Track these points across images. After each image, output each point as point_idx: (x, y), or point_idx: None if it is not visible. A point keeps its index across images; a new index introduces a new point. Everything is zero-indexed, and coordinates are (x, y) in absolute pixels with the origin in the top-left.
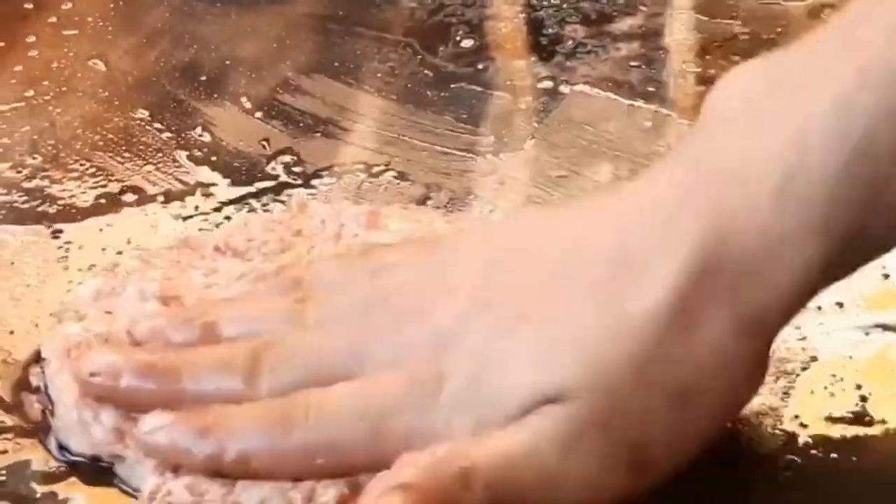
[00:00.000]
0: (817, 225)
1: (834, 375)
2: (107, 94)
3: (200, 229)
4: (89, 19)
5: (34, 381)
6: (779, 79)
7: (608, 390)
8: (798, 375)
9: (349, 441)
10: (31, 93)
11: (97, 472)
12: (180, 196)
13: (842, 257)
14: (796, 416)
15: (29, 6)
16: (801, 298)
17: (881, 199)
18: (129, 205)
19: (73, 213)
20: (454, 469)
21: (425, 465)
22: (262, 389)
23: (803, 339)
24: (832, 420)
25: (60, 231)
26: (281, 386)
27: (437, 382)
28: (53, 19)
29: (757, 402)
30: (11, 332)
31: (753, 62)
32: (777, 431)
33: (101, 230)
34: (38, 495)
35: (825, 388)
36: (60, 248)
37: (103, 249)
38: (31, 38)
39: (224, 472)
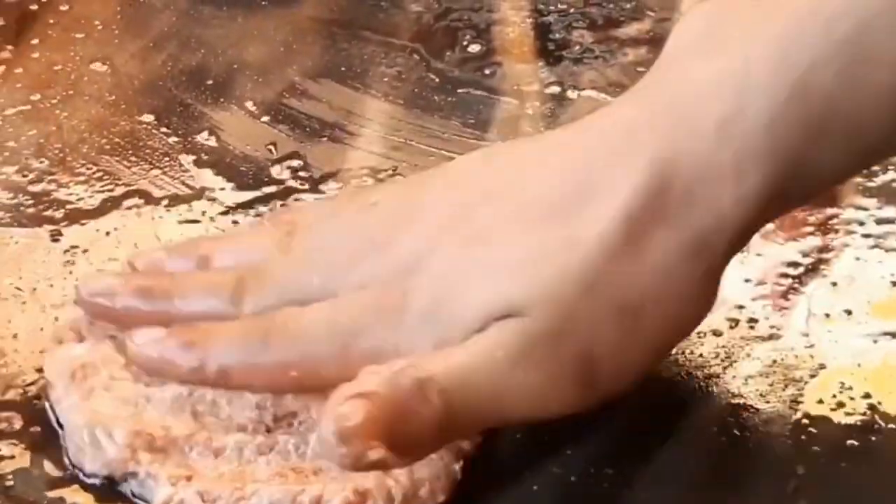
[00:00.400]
0: (759, 154)
1: (842, 383)
2: (113, 97)
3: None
4: (96, 23)
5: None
6: (731, 14)
7: (558, 305)
8: (806, 383)
9: (320, 356)
10: (37, 96)
11: (105, 479)
12: (186, 200)
13: (787, 186)
14: (805, 425)
15: (35, 9)
16: (748, 225)
17: (827, 130)
18: (135, 209)
19: (78, 217)
20: (412, 379)
21: (385, 377)
22: (246, 309)
23: (811, 346)
24: (841, 429)
25: (66, 235)
26: (262, 307)
27: (401, 303)
28: (60, 23)
29: (765, 410)
30: (15, 336)
31: (707, 2)
32: (785, 440)
33: (107, 234)
34: (46, 501)
35: (833, 396)
36: (66, 251)
37: (110, 259)
38: (38, 42)
39: (207, 384)
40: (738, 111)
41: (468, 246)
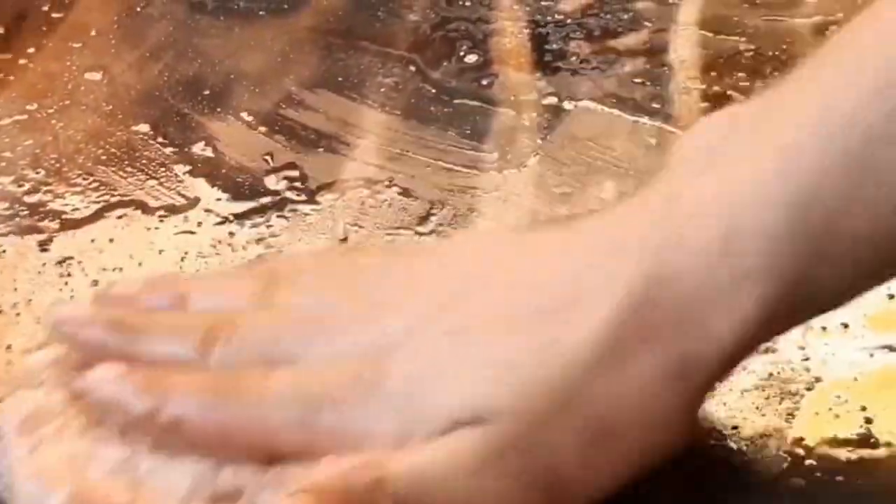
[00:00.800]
0: (757, 274)
1: (839, 397)
2: (110, 107)
3: (201, 249)
4: (92, 33)
5: None
6: (737, 127)
7: (530, 416)
8: (802, 397)
9: (279, 422)
10: (33, 106)
11: None
12: (182, 211)
13: (784, 308)
14: (801, 438)
15: (31, 18)
16: (740, 349)
17: (827, 250)
18: (131, 220)
19: (74, 228)
20: (366, 479)
21: (341, 472)
22: (212, 360)
23: (808, 359)
24: (837, 442)
25: (61, 246)
26: (230, 361)
27: (372, 383)
28: (56, 32)
29: (761, 424)
30: (9, 347)
31: (722, 111)
32: (781, 453)
33: (102, 245)
34: None
35: (830, 409)
36: (61, 262)
37: (105, 270)
38: (34, 51)
39: (154, 431)
40: (736, 229)
41: (450, 337)
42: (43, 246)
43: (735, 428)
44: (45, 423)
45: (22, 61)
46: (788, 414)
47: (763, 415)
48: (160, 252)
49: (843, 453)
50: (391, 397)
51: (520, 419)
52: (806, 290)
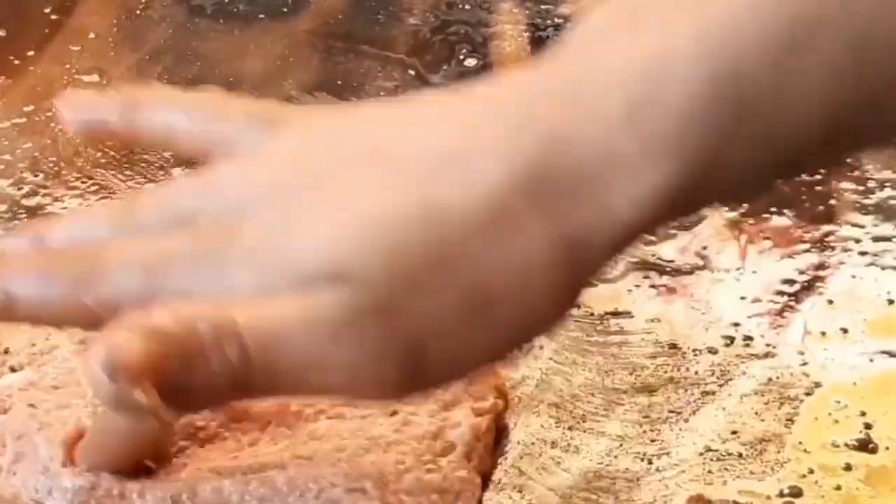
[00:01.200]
0: (667, 150)
1: (838, 402)
2: None
3: None
4: (92, 36)
5: None
6: (643, 5)
7: (398, 280)
8: (802, 402)
9: (121, 292)
10: (32, 109)
11: None
12: None
13: (689, 191)
14: (800, 443)
15: (31, 22)
16: (634, 229)
17: (742, 127)
18: None
19: None
20: (210, 324)
21: (180, 314)
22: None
23: (807, 364)
24: (836, 447)
25: None
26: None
27: (224, 242)
28: (56, 35)
29: (760, 429)
30: (6, 352)
31: None
32: (780, 458)
33: None
34: None
35: (829, 414)
36: None
37: None
38: (33, 54)
39: None
40: (650, 100)
41: (312, 194)
42: None
43: (734, 433)
44: (2, 451)
45: (21, 64)
46: (788, 419)
47: (762, 420)
48: None
49: (842, 458)
50: (242, 254)
51: (385, 280)
52: (715, 171)
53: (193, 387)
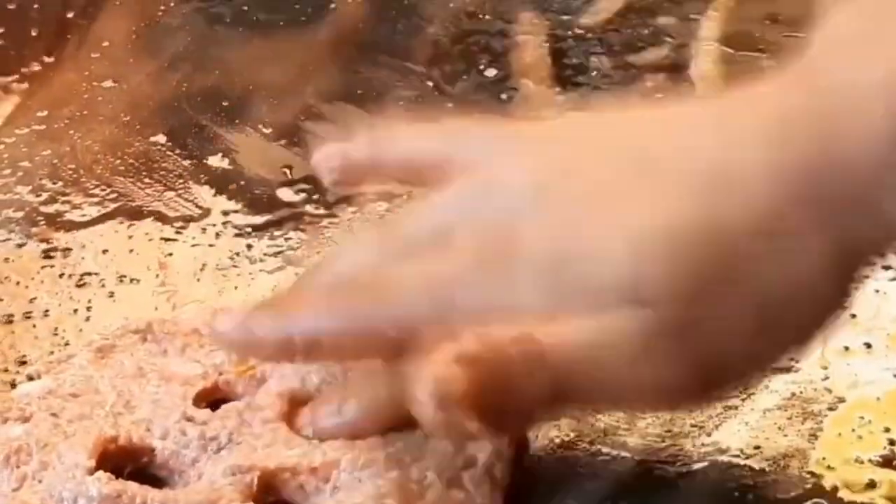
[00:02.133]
0: None
1: (862, 418)
2: (128, 118)
3: (219, 262)
4: (111, 43)
5: None
6: (885, 13)
7: (694, 300)
8: (825, 417)
9: (411, 323)
10: (52, 116)
11: None
12: (200, 223)
13: None
14: (823, 459)
15: (50, 29)
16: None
17: None
18: (149, 231)
19: (92, 239)
20: (521, 351)
21: (492, 342)
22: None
23: (831, 379)
24: (860, 463)
25: (79, 257)
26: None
27: (505, 254)
28: (75, 42)
29: (783, 444)
30: (24, 362)
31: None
32: (804, 474)
33: (120, 257)
34: None
35: (853, 430)
36: (79, 274)
37: (121, 280)
38: (53, 61)
39: (297, 358)
40: None
41: (591, 197)
42: (60, 256)
43: (757, 448)
44: (26, 460)
45: (41, 70)
46: (811, 434)
47: (785, 435)
48: (178, 264)
49: (866, 474)
50: (533, 265)
51: (683, 302)
52: None
53: (507, 409)
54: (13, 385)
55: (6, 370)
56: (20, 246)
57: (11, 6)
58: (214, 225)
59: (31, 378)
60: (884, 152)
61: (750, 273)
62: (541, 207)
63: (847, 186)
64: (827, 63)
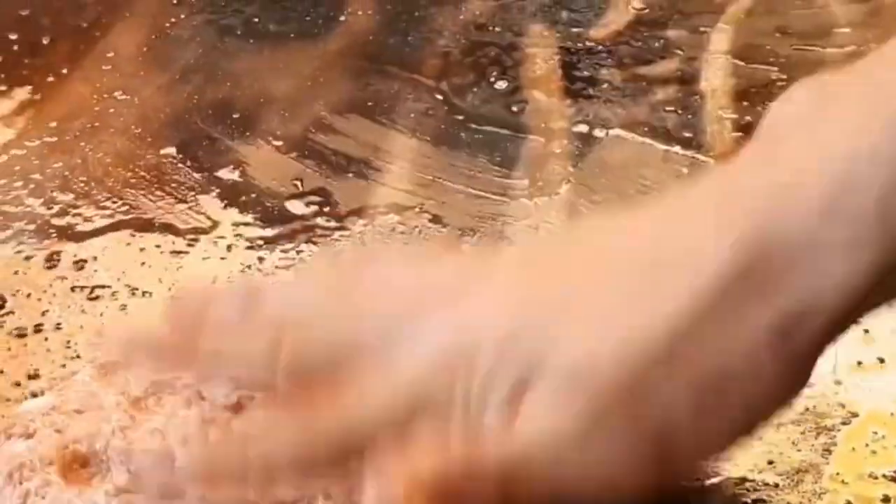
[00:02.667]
0: (871, 233)
1: (875, 432)
2: (139, 130)
3: (231, 274)
4: (122, 55)
5: None
6: (839, 90)
7: (637, 375)
8: (839, 432)
9: (371, 439)
10: (63, 128)
11: None
12: (212, 236)
13: (890, 270)
14: (837, 474)
15: (61, 42)
16: (850, 308)
17: None
18: (160, 244)
19: (103, 252)
20: (465, 467)
21: (439, 461)
22: (283, 374)
23: (844, 394)
24: (874, 478)
25: (90, 270)
26: (302, 370)
27: (467, 367)
28: (86, 54)
29: (797, 459)
30: (36, 376)
31: (809, 81)
32: (817, 489)
33: (131, 270)
34: None
35: (866, 445)
36: (91, 287)
37: (134, 293)
38: (65, 72)
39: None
40: (850, 187)
41: (543, 303)
42: (72, 269)
43: (771, 462)
44: (29, 476)
45: (53, 81)
46: (825, 449)
47: (799, 450)
48: (189, 277)
49: (879, 489)
50: (484, 376)
51: (625, 374)
52: None
53: None
54: (26, 399)
55: (18, 384)
56: (32, 259)
57: (24, 13)
58: (225, 238)
59: (34, 395)
60: (823, 227)
61: (690, 347)
62: (498, 319)
63: (783, 259)
64: (774, 141)
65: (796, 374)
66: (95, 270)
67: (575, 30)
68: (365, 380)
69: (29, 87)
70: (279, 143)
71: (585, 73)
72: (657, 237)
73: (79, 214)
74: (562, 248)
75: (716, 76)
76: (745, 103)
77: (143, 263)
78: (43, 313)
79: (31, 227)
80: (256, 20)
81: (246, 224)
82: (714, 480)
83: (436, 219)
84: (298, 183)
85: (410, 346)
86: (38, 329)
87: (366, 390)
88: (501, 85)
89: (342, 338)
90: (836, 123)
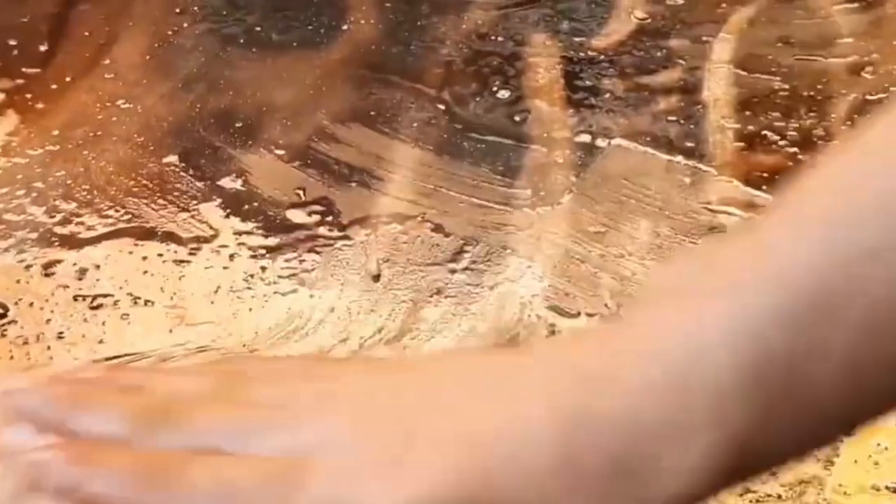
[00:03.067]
0: (706, 425)
1: (879, 444)
2: (142, 139)
3: (233, 284)
4: (125, 64)
5: None
6: (692, 270)
7: None
8: (841, 443)
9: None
10: (65, 137)
11: None
12: (215, 245)
13: (737, 462)
14: (840, 485)
15: (64, 51)
16: (689, 498)
17: (783, 404)
18: (163, 253)
19: (106, 261)
20: None
21: None
22: (143, 443)
23: None
24: (876, 490)
25: (93, 279)
26: (162, 445)
27: (297, 481)
28: (89, 63)
29: (800, 471)
30: None
31: (676, 260)
32: (820, 500)
33: (133, 279)
34: None
35: (869, 456)
36: (93, 296)
37: (136, 301)
38: (68, 80)
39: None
40: (686, 375)
41: (363, 469)
42: (74, 278)
43: (774, 474)
44: None
45: (57, 90)
46: (828, 461)
47: (802, 461)
48: (192, 286)
49: (882, 501)
50: (314, 496)
51: None
52: (761, 441)
53: None
54: None
55: None
56: (34, 267)
57: (26, 20)
58: (228, 246)
59: None
60: (655, 407)
61: None
62: (339, 451)
63: (609, 449)
64: (630, 313)
65: None
66: (98, 279)
67: (577, 39)
68: (203, 458)
69: (31, 96)
70: (281, 152)
71: (588, 83)
72: (478, 415)
73: (81, 223)
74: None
75: (718, 86)
76: (747, 113)
77: (145, 272)
78: (46, 322)
79: (34, 235)
80: (259, 29)
81: (248, 233)
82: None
83: (438, 228)
84: (301, 192)
85: (255, 450)
86: (39, 338)
87: (199, 462)
88: (504, 94)
89: (205, 428)
90: (684, 306)
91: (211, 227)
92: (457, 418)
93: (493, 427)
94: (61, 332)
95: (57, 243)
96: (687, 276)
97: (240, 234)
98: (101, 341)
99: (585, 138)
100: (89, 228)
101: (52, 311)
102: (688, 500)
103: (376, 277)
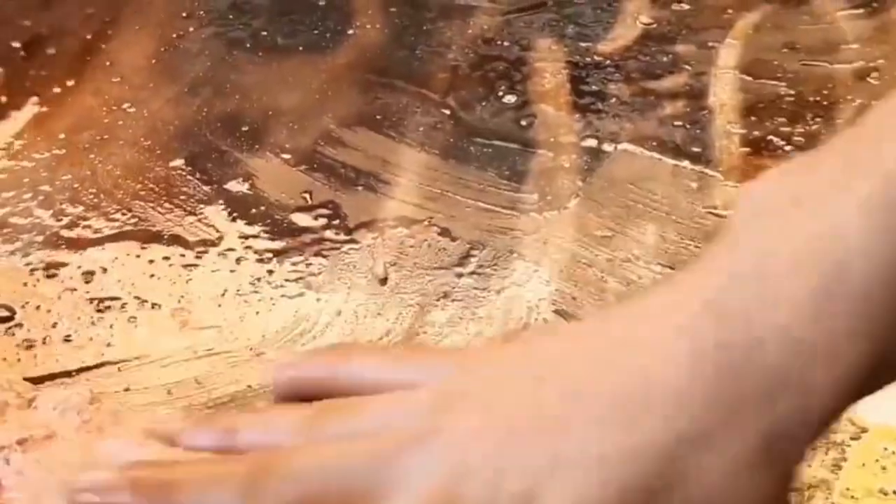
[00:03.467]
0: (856, 330)
1: (886, 448)
2: (148, 143)
3: (240, 287)
4: (131, 67)
5: None
6: (811, 176)
7: None
8: (848, 447)
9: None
10: (72, 140)
11: None
12: (221, 249)
13: (883, 365)
14: (847, 489)
15: (71, 54)
16: (836, 412)
17: None
18: (170, 257)
19: (112, 264)
20: None
21: None
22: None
23: (853, 410)
24: (884, 494)
25: (99, 282)
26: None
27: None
28: (95, 66)
29: (807, 475)
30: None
31: (779, 169)
32: None
33: (140, 282)
34: None
35: (876, 460)
36: (100, 299)
37: (142, 305)
38: (73, 84)
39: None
40: (836, 282)
41: (518, 440)
42: (81, 281)
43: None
44: None
45: (61, 93)
46: (834, 465)
47: (809, 465)
48: (198, 289)
49: None
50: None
51: None
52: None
53: None
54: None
55: (20, 396)
56: (41, 270)
57: (27, 23)
58: (234, 250)
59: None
60: (803, 329)
61: (678, 473)
62: (474, 469)
63: (765, 373)
64: (744, 236)
65: (780, 483)
66: (105, 282)
67: (583, 44)
68: None
69: (37, 99)
70: (288, 155)
71: (594, 88)
72: (629, 366)
73: (88, 226)
74: (524, 370)
75: (724, 91)
76: (753, 118)
77: (151, 275)
78: (53, 325)
79: (40, 238)
80: (265, 33)
81: (254, 237)
82: None
83: (445, 232)
84: (307, 196)
85: (397, 495)
86: (46, 341)
87: None
88: (510, 99)
89: (333, 474)
90: (808, 219)
91: (217, 231)
92: (601, 379)
93: (648, 370)
94: (68, 335)
95: (63, 246)
96: (789, 194)
97: (246, 237)
98: (108, 344)
99: (592, 143)
100: (96, 231)
101: (58, 314)
102: (838, 409)
103: (383, 281)
